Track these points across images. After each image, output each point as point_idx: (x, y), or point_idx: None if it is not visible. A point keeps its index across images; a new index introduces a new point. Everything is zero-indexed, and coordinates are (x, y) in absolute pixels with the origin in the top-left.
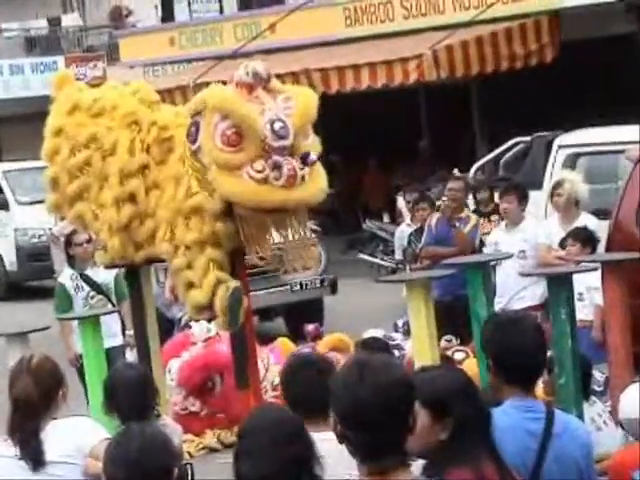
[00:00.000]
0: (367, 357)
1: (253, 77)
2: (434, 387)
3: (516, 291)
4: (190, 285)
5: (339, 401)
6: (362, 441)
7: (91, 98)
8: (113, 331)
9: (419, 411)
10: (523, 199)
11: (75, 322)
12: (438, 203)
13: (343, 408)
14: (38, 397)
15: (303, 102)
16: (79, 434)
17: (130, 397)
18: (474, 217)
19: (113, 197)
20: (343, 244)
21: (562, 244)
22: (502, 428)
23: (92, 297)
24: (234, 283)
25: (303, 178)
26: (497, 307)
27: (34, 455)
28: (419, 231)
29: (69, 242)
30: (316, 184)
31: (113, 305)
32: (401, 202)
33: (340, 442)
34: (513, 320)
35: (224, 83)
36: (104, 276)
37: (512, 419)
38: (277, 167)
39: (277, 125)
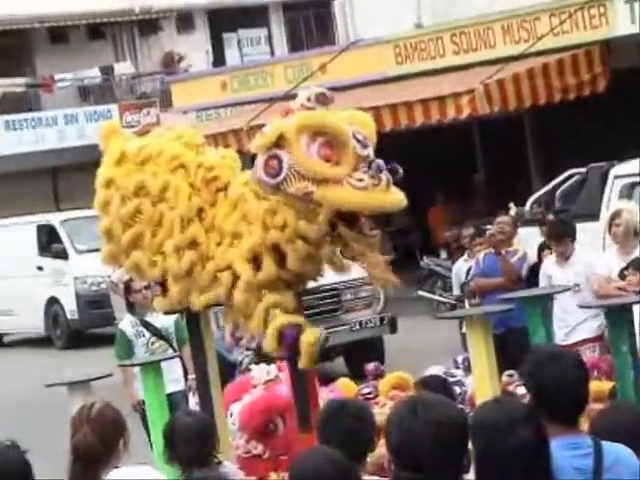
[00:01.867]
0: (421, 395)
1: (316, 100)
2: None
3: (574, 324)
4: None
5: (393, 438)
6: None
7: (137, 147)
8: (175, 376)
9: None
10: (575, 237)
11: (137, 368)
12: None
13: (397, 445)
14: (98, 446)
15: (361, 117)
16: None
17: (190, 445)
18: (522, 250)
19: (174, 245)
20: (401, 282)
21: (621, 275)
22: None
23: (153, 343)
24: (318, 330)
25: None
26: (557, 341)
27: None
28: None
29: (128, 289)
30: (399, 191)
31: (174, 350)
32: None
33: None
34: (552, 356)
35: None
36: (164, 321)
37: (559, 459)
38: (378, 172)
39: (359, 135)
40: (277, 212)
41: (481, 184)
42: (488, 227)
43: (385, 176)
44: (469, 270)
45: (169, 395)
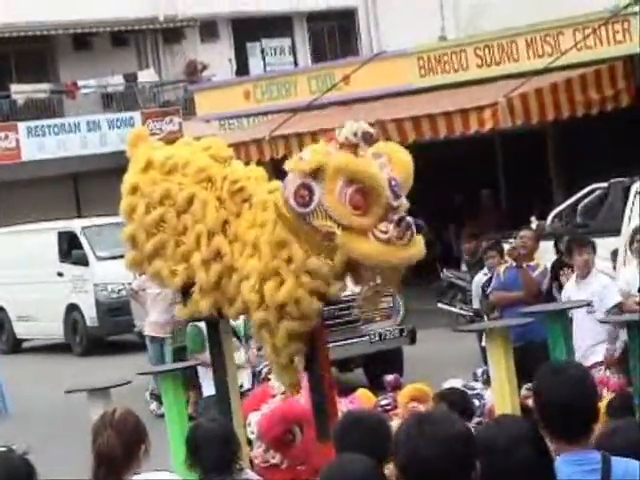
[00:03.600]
0: (428, 412)
1: (362, 137)
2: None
3: (590, 345)
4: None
5: (400, 454)
6: None
7: (164, 155)
8: None
9: None
10: (595, 251)
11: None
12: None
13: (404, 461)
14: (120, 451)
15: (402, 158)
16: None
17: (212, 451)
18: (543, 265)
19: (201, 259)
20: (421, 294)
21: None
22: None
23: None
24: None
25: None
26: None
27: None
28: (491, 279)
29: None
30: (420, 241)
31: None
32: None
33: None
34: (556, 372)
35: (300, 135)
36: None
37: (565, 475)
38: (406, 229)
39: (394, 184)
40: (285, 246)
41: (488, 199)
42: (510, 241)
43: (410, 231)
44: (485, 284)
45: None
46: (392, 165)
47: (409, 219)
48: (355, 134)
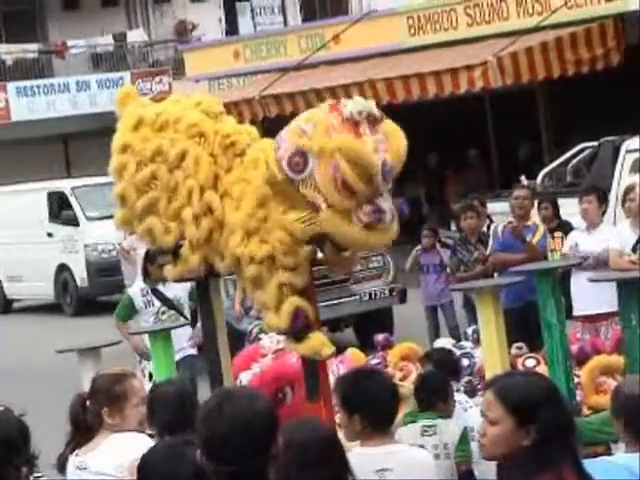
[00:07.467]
0: (229, 389)
1: (367, 118)
2: (520, 393)
3: (594, 296)
4: (264, 306)
5: (200, 432)
6: (223, 472)
7: (154, 112)
8: (179, 347)
9: (503, 417)
10: (603, 201)
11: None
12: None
13: (204, 439)
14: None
15: (398, 142)
16: (125, 450)
17: (165, 414)
18: (541, 225)
19: (192, 214)
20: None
21: (635, 249)
22: None
23: (163, 312)
24: (327, 344)
25: None
26: (577, 312)
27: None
28: (463, 240)
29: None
30: (395, 226)
31: (186, 319)
32: None
33: (205, 473)
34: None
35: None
36: (175, 291)
37: None
38: (382, 212)
39: (386, 168)
40: (264, 206)
41: (475, 159)
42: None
43: (390, 219)
44: (456, 244)
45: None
46: (387, 145)
47: (394, 212)
48: (360, 113)
